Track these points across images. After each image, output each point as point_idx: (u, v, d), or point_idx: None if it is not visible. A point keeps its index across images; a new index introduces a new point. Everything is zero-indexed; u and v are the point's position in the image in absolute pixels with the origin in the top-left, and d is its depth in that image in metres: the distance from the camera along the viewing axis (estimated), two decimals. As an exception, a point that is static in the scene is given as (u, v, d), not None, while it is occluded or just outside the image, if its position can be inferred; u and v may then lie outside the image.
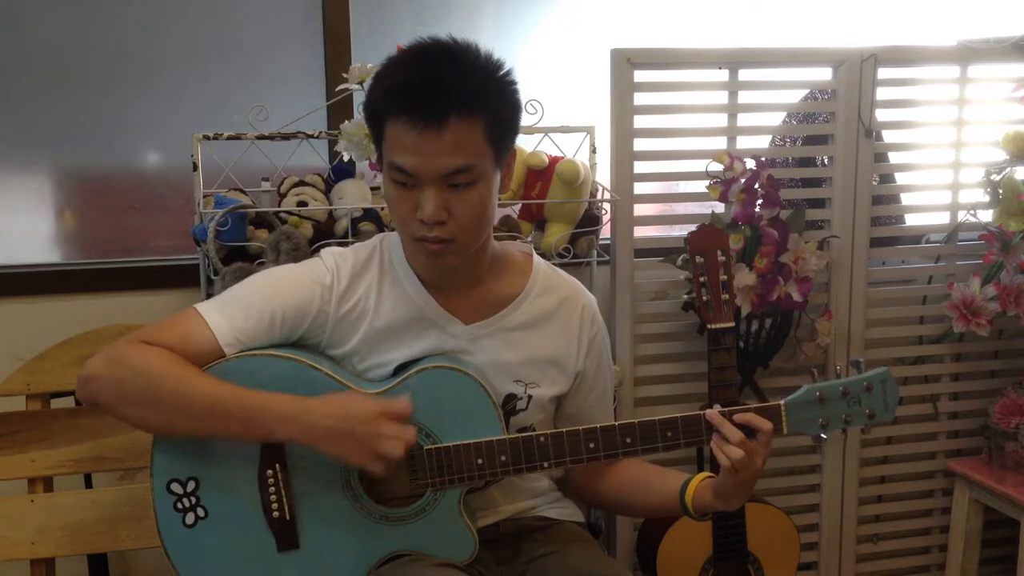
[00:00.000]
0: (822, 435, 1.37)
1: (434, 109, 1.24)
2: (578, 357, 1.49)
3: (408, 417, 1.29)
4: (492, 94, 1.29)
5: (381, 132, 1.30)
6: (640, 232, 2.08)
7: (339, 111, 2.03)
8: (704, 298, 1.77)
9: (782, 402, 1.35)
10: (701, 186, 2.02)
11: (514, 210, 2.03)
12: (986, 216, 2.21)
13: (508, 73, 1.32)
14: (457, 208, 1.29)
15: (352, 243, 1.52)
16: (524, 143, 1.97)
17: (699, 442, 1.36)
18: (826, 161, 2.18)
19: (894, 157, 2.20)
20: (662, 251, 2.07)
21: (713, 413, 1.33)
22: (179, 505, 1.36)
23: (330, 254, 1.43)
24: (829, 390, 1.36)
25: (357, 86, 1.84)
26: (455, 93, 1.25)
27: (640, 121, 2.02)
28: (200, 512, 1.36)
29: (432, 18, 2.27)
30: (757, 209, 1.96)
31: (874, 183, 2.18)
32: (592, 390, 1.53)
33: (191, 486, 1.35)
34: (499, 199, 1.38)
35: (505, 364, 1.44)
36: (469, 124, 1.26)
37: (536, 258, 1.51)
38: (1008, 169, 2.16)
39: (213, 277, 1.78)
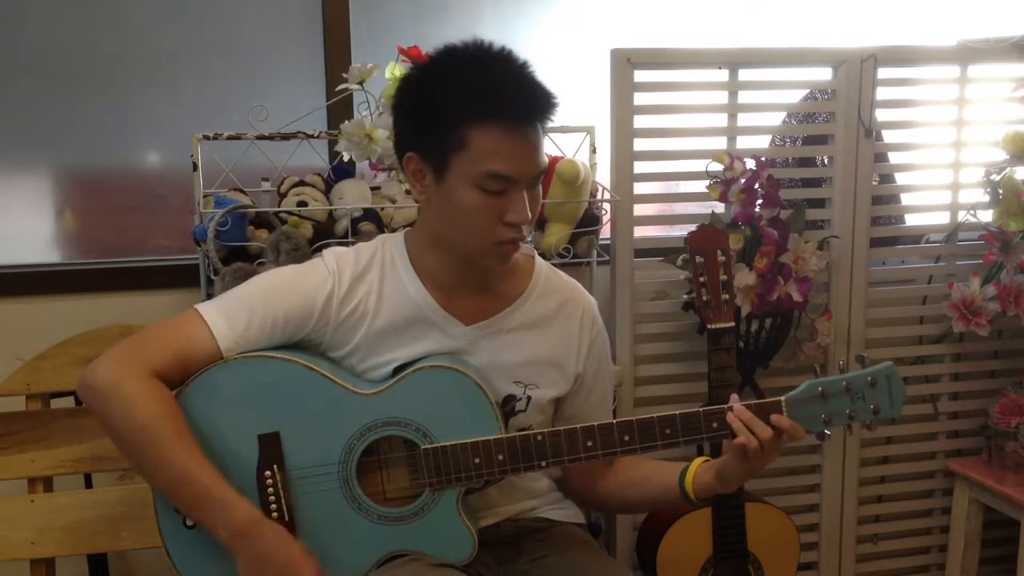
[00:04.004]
0: (825, 431, 1.36)
1: (530, 114, 1.28)
2: (578, 359, 1.49)
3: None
4: (551, 100, 1.33)
5: (459, 140, 1.26)
6: (640, 232, 2.08)
7: (339, 111, 2.04)
8: (704, 298, 1.77)
9: (783, 398, 1.34)
10: (701, 186, 2.02)
11: (514, 210, 2.03)
12: (986, 216, 2.21)
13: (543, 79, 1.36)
14: (533, 208, 1.33)
15: (352, 243, 1.52)
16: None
17: (698, 439, 1.36)
18: (826, 161, 2.18)
19: (894, 157, 2.20)
20: (662, 251, 2.06)
21: (741, 409, 1.33)
22: None
23: (332, 255, 1.43)
24: (831, 385, 1.34)
25: (357, 86, 1.84)
26: (539, 98, 1.30)
27: (640, 121, 2.02)
28: None
29: (432, 18, 2.27)
30: (757, 209, 1.96)
31: (874, 183, 2.18)
32: (592, 393, 1.53)
33: None
34: None
35: (504, 365, 1.44)
36: (541, 128, 1.32)
37: (538, 260, 1.52)
38: (1008, 169, 2.16)
39: (213, 277, 1.78)
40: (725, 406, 1.34)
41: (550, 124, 1.33)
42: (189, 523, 1.36)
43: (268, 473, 1.35)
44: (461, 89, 1.27)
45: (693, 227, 1.82)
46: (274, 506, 1.35)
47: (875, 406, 1.34)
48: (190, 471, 1.27)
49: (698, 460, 1.43)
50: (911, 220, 2.30)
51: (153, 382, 1.29)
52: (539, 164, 1.31)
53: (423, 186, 1.34)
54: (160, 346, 1.32)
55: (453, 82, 1.29)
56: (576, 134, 2.03)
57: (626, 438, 1.35)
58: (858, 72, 2.09)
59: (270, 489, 1.35)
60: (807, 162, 2.21)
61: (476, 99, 1.26)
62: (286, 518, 1.35)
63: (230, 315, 1.35)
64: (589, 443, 1.35)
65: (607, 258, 2.07)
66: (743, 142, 2.11)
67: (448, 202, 1.31)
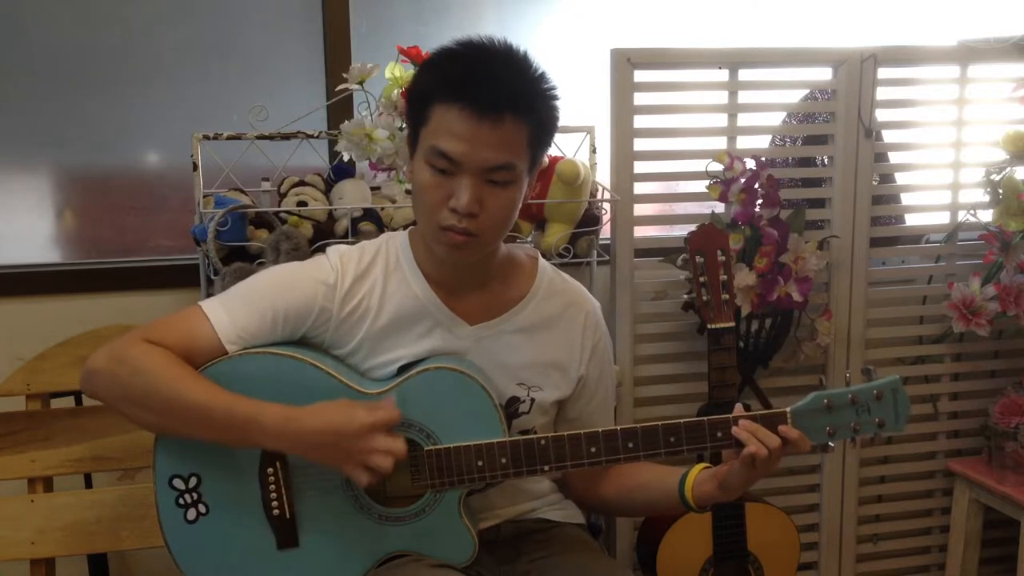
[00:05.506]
0: (829, 443, 1.35)
1: (494, 103, 1.26)
2: (581, 362, 1.50)
3: (398, 424, 1.29)
4: (542, 103, 1.33)
5: (424, 115, 1.31)
6: (640, 232, 2.08)
7: (339, 111, 2.04)
8: (704, 298, 1.77)
9: (788, 409, 1.34)
10: (701, 186, 2.02)
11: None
12: (986, 216, 2.21)
13: (555, 87, 1.35)
14: (490, 204, 1.30)
15: (353, 243, 1.52)
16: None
17: (702, 448, 1.35)
18: (826, 161, 2.18)
19: (894, 157, 2.20)
20: (662, 251, 2.06)
21: (747, 422, 1.32)
22: (181, 501, 1.36)
23: (336, 252, 1.43)
24: (837, 398, 1.34)
25: (357, 86, 1.84)
26: (515, 92, 1.28)
27: (640, 121, 2.02)
28: (202, 508, 1.36)
29: (432, 18, 2.27)
30: (757, 209, 1.96)
31: (874, 183, 2.18)
32: (594, 396, 1.53)
33: (193, 482, 1.36)
34: None
35: (508, 366, 1.44)
36: (518, 126, 1.29)
37: (541, 262, 1.52)
38: (1008, 169, 2.16)
39: (213, 277, 1.78)
40: (730, 416, 1.33)
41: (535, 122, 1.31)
42: (190, 518, 1.36)
43: (271, 470, 1.35)
44: (437, 70, 1.32)
45: (693, 227, 1.82)
46: (275, 503, 1.36)
47: (880, 420, 1.34)
48: (211, 404, 1.27)
49: (698, 467, 1.42)
50: (911, 220, 2.30)
51: (156, 346, 1.31)
52: (490, 156, 1.27)
53: (410, 165, 1.38)
54: (161, 335, 1.33)
55: (435, 64, 1.34)
56: (576, 134, 2.03)
57: (630, 445, 1.34)
58: (858, 72, 2.09)
59: (272, 486, 1.35)
60: (807, 162, 2.21)
61: (442, 79, 1.30)
62: (288, 515, 1.36)
63: (231, 309, 1.35)
64: (593, 449, 1.34)
65: (607, 258, 2.07)
66: (743, 142, 2.11)
67: (413, 179, 1.35)
